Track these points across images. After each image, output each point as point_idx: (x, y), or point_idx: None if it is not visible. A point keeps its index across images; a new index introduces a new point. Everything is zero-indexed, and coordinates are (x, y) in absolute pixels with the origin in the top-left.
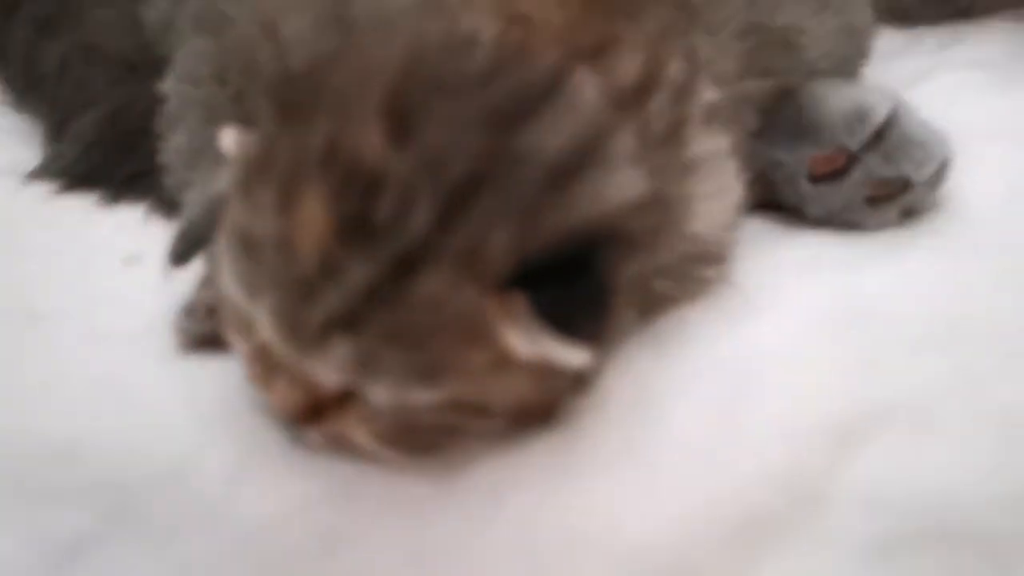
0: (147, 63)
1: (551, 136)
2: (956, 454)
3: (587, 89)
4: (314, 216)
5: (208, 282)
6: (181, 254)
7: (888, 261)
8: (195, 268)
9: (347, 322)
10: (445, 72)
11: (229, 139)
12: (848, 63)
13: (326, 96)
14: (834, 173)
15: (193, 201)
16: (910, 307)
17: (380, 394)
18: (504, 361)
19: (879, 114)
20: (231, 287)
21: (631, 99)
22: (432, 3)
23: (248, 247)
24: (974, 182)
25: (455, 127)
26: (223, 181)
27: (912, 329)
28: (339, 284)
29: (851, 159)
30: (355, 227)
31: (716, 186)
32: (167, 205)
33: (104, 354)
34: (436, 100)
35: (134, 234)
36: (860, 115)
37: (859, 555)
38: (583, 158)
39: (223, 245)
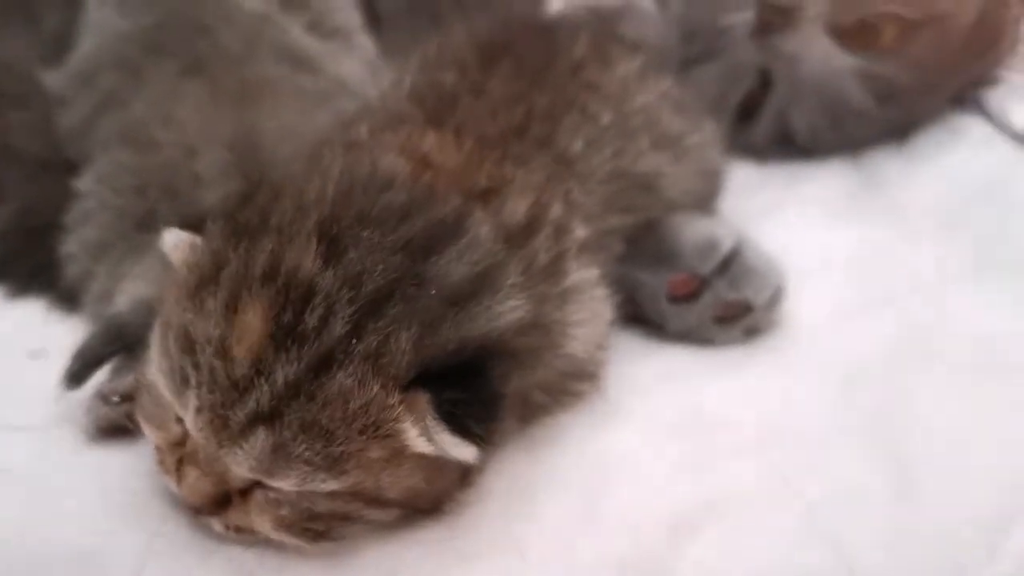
0: (58, 163)
1: (454, 266)
2: (768, 541)
3: (484, 229)
4: (253, 325)
5: (121, 371)
6: (76, 374)
7: (730, 374)
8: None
9: (269, 416)
10: (370, 206)
11: (172, 240)
12: (704, 199)
13: (271, 220)
14: (689, 295)
15: (93, 309)
16: (742, 415)
17: (289, 483)
18: (400, 455)
19: (726, 246)
20: (161, 380)
21: (519, 237)
22: (348, 144)
23: (186, 346)
24: (807, 307)
25: (376, 252)
26: (122, 302)
27: (740, 435)
28: (267, 383)
29: (702, 283)
30: (286, 334)
31: (589, 312)
32: (68, 299)
33: (12, 445)
34: (362, 229)
35: (39, 328)
36: (710, 246)
37: None
38: (478, 285)
39: (157, 340)
